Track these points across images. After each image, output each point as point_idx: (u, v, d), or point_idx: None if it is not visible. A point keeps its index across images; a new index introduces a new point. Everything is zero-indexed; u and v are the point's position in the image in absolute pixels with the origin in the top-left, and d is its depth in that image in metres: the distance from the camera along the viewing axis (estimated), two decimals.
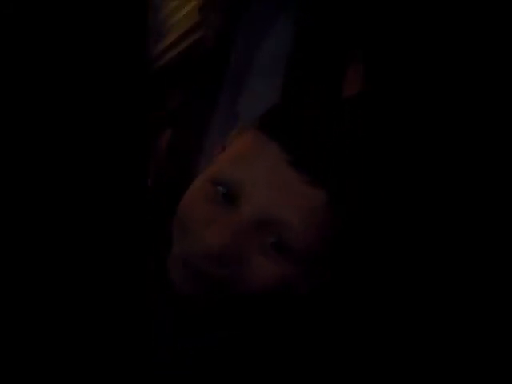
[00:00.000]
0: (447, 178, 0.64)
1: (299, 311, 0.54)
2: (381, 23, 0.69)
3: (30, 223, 0.60)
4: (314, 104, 0.54)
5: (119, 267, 0.54)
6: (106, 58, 0.67)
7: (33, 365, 0.50)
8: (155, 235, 0.58)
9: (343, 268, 0.55)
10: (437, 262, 0.63)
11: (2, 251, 0.55)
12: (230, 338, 0.53)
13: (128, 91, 0.71)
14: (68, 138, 0.65)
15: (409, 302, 0.62)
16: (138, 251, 0.56)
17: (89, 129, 0.66)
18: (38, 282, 0.53)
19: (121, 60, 0.69)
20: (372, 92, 0.63)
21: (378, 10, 0.68)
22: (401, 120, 0.63)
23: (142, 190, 0.71)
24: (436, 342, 0.60)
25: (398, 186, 0.56)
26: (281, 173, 0.47)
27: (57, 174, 0.64)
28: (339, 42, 0.65)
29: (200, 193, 0.51)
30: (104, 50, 0.67)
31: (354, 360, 0.55)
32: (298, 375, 0.52)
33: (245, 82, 0.64)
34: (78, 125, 0.66)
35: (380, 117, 0.58)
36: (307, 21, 0.64)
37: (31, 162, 0.62)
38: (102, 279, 0.53)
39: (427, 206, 0.64)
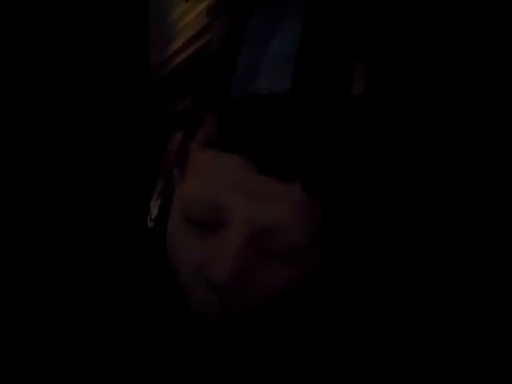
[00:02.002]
0: (431, 158, 0.64)
1: (299, 303, 0.55)
2: (387, 22, 0.68)
3: (31, 225, 0.60)
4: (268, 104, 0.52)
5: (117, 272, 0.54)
6: (106, 59, 0.68)
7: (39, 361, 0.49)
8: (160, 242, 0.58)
9: (334, 254, 0.56)
10: (424, 239, 0.64)
11: (2, 251, 0.56)
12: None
13: (128, 96, 0.71)
14: (67, 140, 0.65)
15: (403, 283, 0.63)
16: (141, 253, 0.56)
17: (88, 133, 0.67)
18: (41, 281, 0.52)
19: (121, 62, 0.69)
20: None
21: (385, 8, 0.68)
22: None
23: (144, 202, 0.71)
24: (431, 323, 0.61)
25: (369, 165, 0.58)
26: (253, 181, 0.47)
27: (58, 177, 0.64)
28: (347, 40, 0.64)
29: (181, 237, 0.50)
30: (104, 51, 0.67)
31: (352, 349, 0.56)
32: (302, 366, 0.54)
33: (252, 83, 0.63)
34: (78, 127, 0.66)
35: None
36: (315, 19, 0.64)
37: (34, 166, 0.62)
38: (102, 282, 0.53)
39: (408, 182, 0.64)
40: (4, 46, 0.63)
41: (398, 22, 0.68)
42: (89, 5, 0.68)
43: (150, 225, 1.53)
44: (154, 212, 1.61)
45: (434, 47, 0.66)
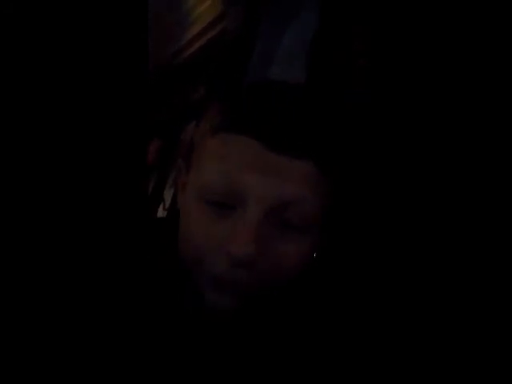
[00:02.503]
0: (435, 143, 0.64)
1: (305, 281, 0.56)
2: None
3: (29, 224, 0.60)
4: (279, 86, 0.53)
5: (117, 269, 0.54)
6: (105, 58, 0.67)
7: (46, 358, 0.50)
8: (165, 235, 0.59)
9: (340, 231, 0.58)
10: (425, 218, 0.63)
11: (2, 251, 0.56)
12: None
13: (128, 93, 0.71)
14: (67, 138, 0.65)
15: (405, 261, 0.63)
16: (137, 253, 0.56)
17: (88, 129, 0.66)
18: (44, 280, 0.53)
19: (121, 61, 0.69)
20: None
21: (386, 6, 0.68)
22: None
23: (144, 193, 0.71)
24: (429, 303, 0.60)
25: (375, 144, 0.59)
26: (266, 160, 0.48)
27: (58, 174, 0.64)
28: (360, 33, 0.65)
29: (199, 217, 0.50)
30: (104, 50, 0.67)
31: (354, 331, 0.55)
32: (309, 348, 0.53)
33: (266, 72, 0.63)
34: (78, 125, 0.66)
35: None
36: (330, 12, 0.64)
37: (33, 162, 0.63)
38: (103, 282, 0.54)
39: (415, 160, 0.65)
40: (4, 46, 0.64)
41: (400, 20, 0.68)
42: (89, 4, 0.68)
43: (164, 213, 1.54)
44: (168, 201, 1.62)
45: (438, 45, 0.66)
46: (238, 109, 0.50)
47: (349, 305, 0.58)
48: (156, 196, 1.43)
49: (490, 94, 0.61)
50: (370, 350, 0.54)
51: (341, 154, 0.52)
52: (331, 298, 0.58)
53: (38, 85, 0.62)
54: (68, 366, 0.50)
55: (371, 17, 0.64)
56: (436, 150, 0.63)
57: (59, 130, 0.65)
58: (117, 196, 0.70)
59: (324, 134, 0.50)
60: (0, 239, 0.60)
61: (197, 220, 0.50)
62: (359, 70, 0.62)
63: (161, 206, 1.38)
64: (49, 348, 0.50)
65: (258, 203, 0.48)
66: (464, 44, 0.63)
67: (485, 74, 0.62)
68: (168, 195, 1.42)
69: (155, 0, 0.88)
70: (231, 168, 0.48)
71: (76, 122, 0.66)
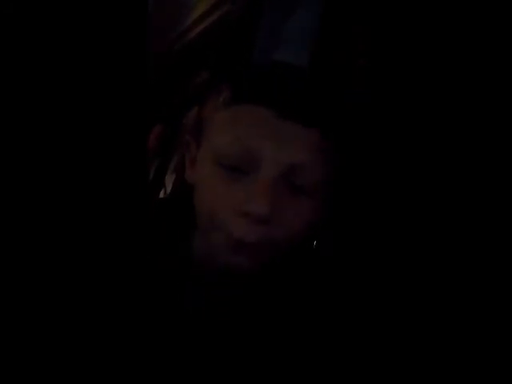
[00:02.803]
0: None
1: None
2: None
3: (29, 221, 0.61)
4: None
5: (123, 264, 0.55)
6: (105, 57, 0.68)
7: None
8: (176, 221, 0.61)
9: (343, 201, 0.61)
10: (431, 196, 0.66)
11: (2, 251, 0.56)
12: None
13: (129, 79, 0.71)
14: (66, 123, 0.66)
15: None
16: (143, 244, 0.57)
17: (88, 117, 0.67)
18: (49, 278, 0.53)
19: (120, 60, 0.69)
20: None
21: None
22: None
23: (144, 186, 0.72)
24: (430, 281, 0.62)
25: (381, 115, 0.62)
26: (277, 127, 0.51)
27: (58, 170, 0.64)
28: (364, 28, 0.65)
29: (214, 182, 0.53)
30: (104, 49, 0.67)
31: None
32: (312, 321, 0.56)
33: (271, 54, 0.62)
34: (78, 113, 0.66)
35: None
36: None
37: (33, 158, 0.63)
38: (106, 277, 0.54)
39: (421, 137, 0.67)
40: (4, 46, 0.64)
41: (400, 20, 0.69)
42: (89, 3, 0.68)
43: (166, 197, 1.53)
44: (169, 185, 1.62)
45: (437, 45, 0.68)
46: (249, 82, 0.53)
47: (350, 287, 0.60)
48: (157, 182, 1.42)
49: (490, 93, 0.62)
50: (369, 335, 0.56)
51: (345, 124, 0.56)
52: (333, 280, 0.60)
53: (39, 81, 0.63)
54: (66, 364, 0.51)
55: (371, 17, 0.65)
56: (436, 149, 0.65)
57: (59, 117, 0.65)
58: (117, 182, 0.70)
59: (329, 104, 0.54)
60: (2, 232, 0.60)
61: (212, 185, 0.54)
62: (359, 69, 0.63)
63: (162, 192, 1.37)
64: (47, 342, 0.51)
65: (272, 166, 0.51)
66: (464, 44, 0.64)
67: (485, 72, 0.63)
68: (169, 181, 1.41)
69: None
70: (245, 134, 0.51)
71: (75, 110, 0.66)
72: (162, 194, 1.39)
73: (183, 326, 0.55)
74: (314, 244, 0.62)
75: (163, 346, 0.54)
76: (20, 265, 0.55)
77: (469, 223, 0.63)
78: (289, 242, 0.53)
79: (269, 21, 0.69)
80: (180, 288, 0.56)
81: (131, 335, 0.53)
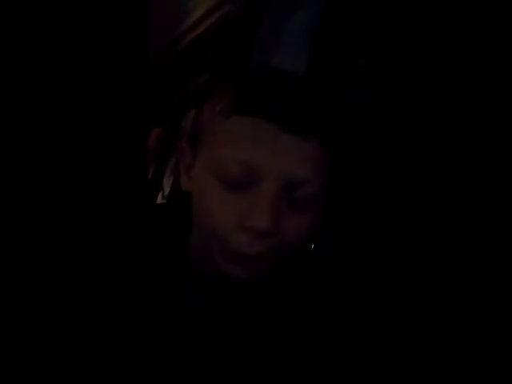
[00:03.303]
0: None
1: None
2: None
3: (28, 223, 0.61)
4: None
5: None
6: (105, 57, 0.67)
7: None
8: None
9: (338, 206, 0.62)
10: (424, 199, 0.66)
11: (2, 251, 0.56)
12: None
13: (128, 81, 0.70)
14: (67, 135, 0.65)
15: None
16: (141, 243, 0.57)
17: (88, 118, 0.66)
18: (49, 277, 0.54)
19: (120, 60, 0.69)
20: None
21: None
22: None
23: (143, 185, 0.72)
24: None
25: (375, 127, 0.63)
26: (278, 140, 0.52)
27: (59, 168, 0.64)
28: (368, 18, 0.65)
29: (214, 195, 0.54)
30: (104, 49, 0.67)
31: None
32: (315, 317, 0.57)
33: (270, 59, 0.62)
34: (78, 113, 0.66)
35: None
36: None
37: (31, 158, 0.63)
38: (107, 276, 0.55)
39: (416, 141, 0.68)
40: (4, 46, 0.63)
41: (400, 20, 0.70)
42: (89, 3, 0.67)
43: (163, 200, 1.53)
44: (167, 188, 1.61)
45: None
46: (249, 93, 0.54)
47: (349, 287, 0.61)
48: (155, 184, 1.41)
49: (489, 93, 0.63)
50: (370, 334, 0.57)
51: (344, 129, 0.56)
52: (332, 280, 0.61)
53: (39, 80, 0.63)
54: (66, 363, 0.52)
55: (371, 17, 0.65)
56: (436, 149, 0.66)
57: (58, 117, 0.65)
58: (116, 184, 0.70)
59: (328, 114, 0.54)
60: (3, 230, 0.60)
61: (211, 198, 0.54)
62: (359, 69, 0.63)
63: (160, 195, 1.36)
64: (48, 342, 0.51)
65: (273, 180, 0.52)
66: (464, 44, 0.64)
67: (484, 72, 0.63)
68: (167, 183, 1.40)
69: None
70: (245, 149, 0.52)
71: (75, 110, 0.66)
72: (159, 196, 1.39)
73: (183, 325, 0.55)
74: (311, 246, 0.63)
75: (163, 346, 0.54)
76: (20, 266, 0.56)
77: (467, 227, 0.63)
78: (288, 252, 0.54)
79: (269, 21, 0.68)
80: (180, 288, 0.56)
81: (131, 335, 0.53)
